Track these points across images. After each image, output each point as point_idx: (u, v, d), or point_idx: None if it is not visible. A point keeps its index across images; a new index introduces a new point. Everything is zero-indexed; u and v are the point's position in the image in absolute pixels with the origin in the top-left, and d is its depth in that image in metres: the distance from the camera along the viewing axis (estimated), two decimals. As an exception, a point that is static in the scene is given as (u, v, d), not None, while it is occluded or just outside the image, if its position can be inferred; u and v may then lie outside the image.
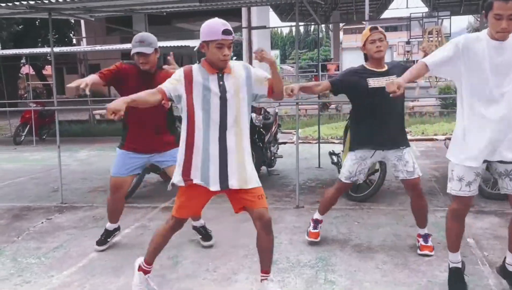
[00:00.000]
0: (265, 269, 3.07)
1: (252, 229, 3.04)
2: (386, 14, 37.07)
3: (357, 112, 4.03)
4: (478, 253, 3.83)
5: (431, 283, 3.35)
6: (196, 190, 2.94)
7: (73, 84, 3.53)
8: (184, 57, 29.20)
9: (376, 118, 3.82)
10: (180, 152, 2.97)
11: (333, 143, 10.23)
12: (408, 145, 3.88)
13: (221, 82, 2.85)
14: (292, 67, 46.09)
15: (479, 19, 37.47)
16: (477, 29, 45.30)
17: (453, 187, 2.99)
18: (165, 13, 7.86)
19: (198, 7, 6.73)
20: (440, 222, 4.61)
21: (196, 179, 2.90)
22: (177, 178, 2.96)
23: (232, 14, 22.70)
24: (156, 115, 3.86)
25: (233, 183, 2.89)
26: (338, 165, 6.24)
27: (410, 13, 23.56)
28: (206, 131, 2.85)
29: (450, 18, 23.28)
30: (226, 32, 2.75)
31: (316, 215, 4.25)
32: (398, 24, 52.45)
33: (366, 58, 3.86)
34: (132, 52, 3.81)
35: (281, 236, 4.38)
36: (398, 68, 3.77)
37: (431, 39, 22.33)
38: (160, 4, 6.34)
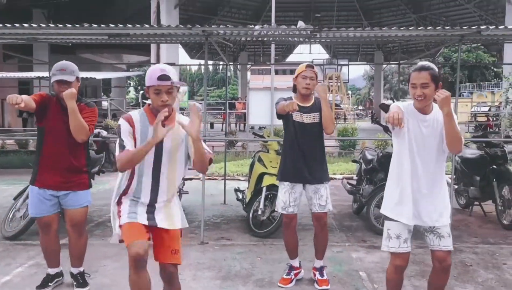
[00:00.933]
0: None
1: (153, 268, 3.00)
2: (291, 58, 39.04)
3: (284, 143, 4.24)
4: (369, 286, 4.10)
5: (327, 315, 3.53)
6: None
7: (8, 98, 3.36)
8: (88, 89, 28.35)
9: (299, 151, 4.04)
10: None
11: (239, 180, 10.40)
12: (327, 180, 4.13)
13: None
14: (200, 103, 46.27)
15: (373, 68, 40.72)
16: (372, 77, 49.05)
17: (391, 246, 3.04)
18: (70, 44, 7.69)
19: (104, 41, 6.69)
20: (336, 257, 4.89)
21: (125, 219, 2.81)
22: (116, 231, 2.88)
23: (141, 49, 22.62)
24: (74, 152, 3.77)
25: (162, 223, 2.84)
26: (243, 201, 6.38)
27: (313, 59, 24.99)
28: (140, 179, 2.81)
29: (348, 65, 25.03)
30: (162, 77, 2.68)
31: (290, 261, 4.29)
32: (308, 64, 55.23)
33: (295, 90, 4.12)
34: (52, 81, 3.68)
35: (184, 273, 4.36)
36: (320, 106, 4.01)
37: (331, 83, 23.80)
38: (68, 35, 6.21)
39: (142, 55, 29.08)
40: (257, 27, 5.53)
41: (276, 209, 4.31)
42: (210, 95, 60.76)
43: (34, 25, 5.58)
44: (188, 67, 77.66)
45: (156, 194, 2.82)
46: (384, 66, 40.69)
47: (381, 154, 6.36)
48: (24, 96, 3.47)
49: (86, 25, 5.27)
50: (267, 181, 5.70)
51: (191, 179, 7.90)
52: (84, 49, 24.59)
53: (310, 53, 37.72)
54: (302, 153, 4.03)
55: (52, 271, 3.99)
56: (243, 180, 10.46)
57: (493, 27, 4.83)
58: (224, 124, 18.82)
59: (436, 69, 2.88)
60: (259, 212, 5.64)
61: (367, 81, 63.22)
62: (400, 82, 48.99)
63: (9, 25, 5.34)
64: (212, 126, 26.61)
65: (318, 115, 4.02)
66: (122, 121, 2.79)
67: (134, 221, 2.76)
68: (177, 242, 2.86)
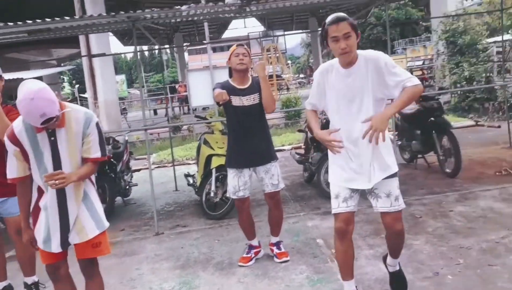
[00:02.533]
0: None
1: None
2: (226, 35, 38.61)
3: (228, 128, 4.19)
4: (327, 251, 4.17)
5: (288, 287, 3.56)
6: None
7: None
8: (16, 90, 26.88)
9: (243, 135, 3.99)
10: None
11: (188, 164, 10.26)
12: (276, 159, 4.10)
13: (52, 138, 2.62)
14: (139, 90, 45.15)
15: (309, 35, 41.05)
16: (309, 44, 49.44)
17: (332, 207, 2.93)
18: (-11, 45, 7.22)
19: (27, 38, 6.32)
20: (292, 228, 4.93)
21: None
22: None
23: (70, 41, 21.59)
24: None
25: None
26: (194, 186, 6.30)
27: (248, 33, 24.87)
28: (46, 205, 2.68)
29: (284, 36, 25.06)
30: (45, 123, 2.49)
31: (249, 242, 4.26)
32: (238, 43, 54.88)
33: (231, 74, 4.04)
34: None
35: (142, 267, 4.28)
36: (259, 85, 3.96)
37: (269, 55, 23.77)
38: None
39: (73, 48, 27.85)
40: (184, 7, 5.37)
41: (227, 194, 4.26)
42: (149, 80, 59.35)
43: None
44: (123, 54, 75.44)
45: (67, 219, 2.69)
46: (320, 31, 41.03)
47: (324, 120, 6.42)
48: None
49: (1, 24, 4.94)
50: (215, 162, 5.64)
51: (139, 170, 7.72)
52: (7, 48, 23.25)
53: (245, 27, 37.53)
54: (247, 136, 3.98)
55: (1, 285, 3.81)
56: (193, 163, 10.33)
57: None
58: (168, 109, 18.51)
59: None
60: (212, 195, 5.59)
61: (305, 48, 63.76)
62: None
63: None
64: (155, 112, 26.13)
65: (257, 96, 3.97)
66: (6, 140, 2.66)
67: (48, 250, 2.71)
68: (97, 236, 2.76)
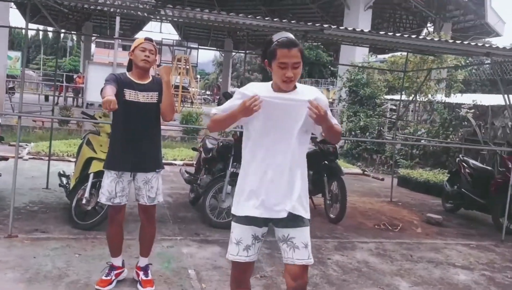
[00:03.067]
0: None
1: None
2: (140, 35, 37.37)
3: (113, 125, 3.71)
4: (197, 286, 3.84)
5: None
6: None
7: None
8: None
9: (130, 135, 3.56)
10: None
11: (69, 161, 9.42)
12: (160, 169, 3.71)
13: None
14: (35, 72, 42.19)
15: (223, 55, 41.25)
16: (221, 63, 49.73)
17: (230, 252, 2.59)
18: None
19: None
20: (165, 252, 4.55)
21: None
22: None
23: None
24: None
25: None
26: (66, 188, 5.66)
27: (162, 38, 24.23)
28: None
29: (198, 49, 24.79)
30: None
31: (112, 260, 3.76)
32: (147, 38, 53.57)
33: (130, 67, 3.61)
34: None
35: (-21, 275, 3.63)
36: (159, 85, 3.58)
37: (179, 65, 23.29)
38: None
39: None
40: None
41: (99, 200, 3.78)
42: (47, 64, 55.57)
43: None
44: (22, 31, 69.96)
45: None
46: (234, 54, 41.44)
47: (221, 143, 6.17)
48: None
49: None
50: (95, 166, 5.10)
51: (6, 158, 6.82)
52: None
53: (160, 32, 36.44)
54: (134, 137, 3.57)
55: None
56: (73, 161, 9.50)
57: (334, 26, 4.91)
58: (56, 98, 17.15)
59: None
60: (84, 201, 5.02)
61: (216, 67, 63.97)
62: (247, 71, 50.53)
63: None
64: (46, 98, 24.24)
65: (156, 95, 3.60)
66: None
67: None
68: None
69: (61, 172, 6.19)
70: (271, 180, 2.51)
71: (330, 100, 40.74)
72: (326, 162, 6.50)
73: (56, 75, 8.59)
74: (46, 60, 56.83)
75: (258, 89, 2.54)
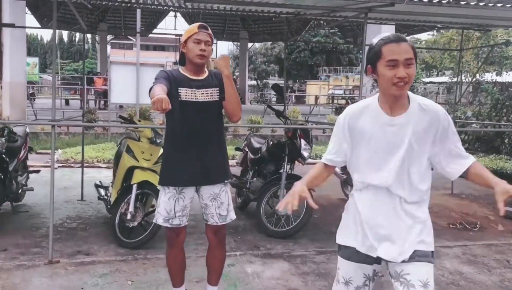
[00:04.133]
0: None
1: None
2: (158, 31, 36.92)
3: (168, 132, 3.11)
4: (277, 316, 3.25)
5: None
6: None
7: None
8: None
9: (190, 142, 2.97)
10: None
11: (99, 167, 8.94)
12: (228, 179, 3.11)
13: None
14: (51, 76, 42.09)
15: (239, 47, 40.58)
16: (237, 57, 49.14)
17: None
18: None
19: None
20: (228, 274, 3.93)
21: None
22: None
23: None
24: None
25: None
26: (107, 201, 5.10)
27: (179, 35, 23.69)
28: None
29: (216, 43, 24.20)
30: None
31: None
32: (166, 44, 53.31)
33: (183, 61, 3.02)
34: None
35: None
36: (218, 79, 2.99)
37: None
38: None
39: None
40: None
41: (155, 221, 3.19)
42: (65, 68, 55.58)
43: None
44: (38, 36, 70.40)
45: None
46: (250, 46, 40.64)
47: (271, 142, 5.56)
48: None
49: None
50: (138, 176, 4.55)
51: (37, 171, 6.31)
52: None
53: (175, 29, 35.80)
54: (195, 144, 2.98)
55: None
56: (105, 167, 9.03)
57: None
58: (82, 102, 16.70)
59: None
60: (129, 217, 4.46)
61: (232, 60, 63.27)
62: (263, 63, 49.66)
63: None
64: (67, 102, 23.92)
65: (217, 91, 2.99)
66: None
67: None
68: None
69: (98, 183, 5.63)
70: None
71: (351, 87, 40.03)
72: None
73: (84, 78, 8.04)
74: (63, 64, 56.84)
75: (357, 113, 2.08)
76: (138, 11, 12.55)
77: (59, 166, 8.75)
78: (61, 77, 38.34)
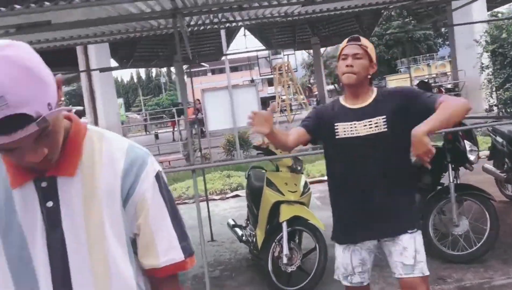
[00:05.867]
0: None
1: None
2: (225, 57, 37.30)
3: (330, 179, 2.53)
4: None
5: None
6: None
7: None
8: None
9: (357, 192, 2.34)
10: None
11: (214, 200, 8.57)
12: (413, 228, 2.38)
13: (49, 203, 1.09)
14: (139, 114, 43.90)
15: (312, 55, 39.98)
16: (310, 65, 48.54)
17: None
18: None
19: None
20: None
21: None
22: None
23: (66, 64, 20.02)
24: None
25: None
26: (251, 244, 4.53)
27: (257, 54, 23.59)
28: None
29: (294, 54, 23.79)
30: None
31: None
32: (238, 65, 53.76)
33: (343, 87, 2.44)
34: None
35: None
36: (394, 98, 2.32)
37: (281, 73, 22.33)
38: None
39: (70, 71, 26.24)
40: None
41: (336, 277, 2.54)
42: (147, 104, 57.78)
43: None
44: (119, 77, 74.29)
45: None
46: (323, 51, 39.89)
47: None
48: None
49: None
50: (286, 212, 3.96)
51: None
52: None
53: (246, 48, 35.91)
54: (364, 193, 2.32)
55: None
56: (218, 199, 8.66)
57: None
58: (175, 133, 16.80)
59: None
60: (285, 260, 3.85)
61: (306, 69, 62.58)
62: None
63: None
64: (157, 136, 24.41)
65: (383, 120, 2.28)
66: None
67: None
68: None
69: (232, 222, 5.14)
70: None
71: (434, 75, 37.74)
72: None
73: (186, 112, 7.72)
74: (145, 101, 59.21)
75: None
76: (223, 32, 12.32)
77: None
78: (147, 113, 39.81)
